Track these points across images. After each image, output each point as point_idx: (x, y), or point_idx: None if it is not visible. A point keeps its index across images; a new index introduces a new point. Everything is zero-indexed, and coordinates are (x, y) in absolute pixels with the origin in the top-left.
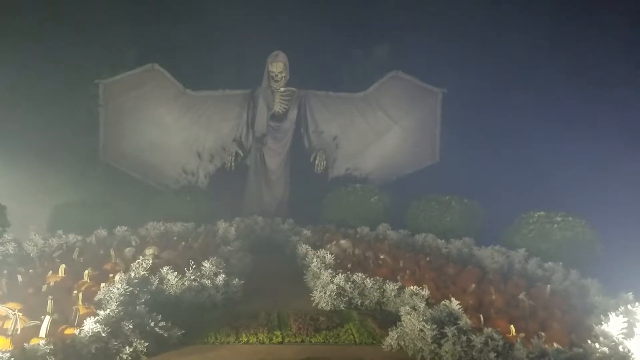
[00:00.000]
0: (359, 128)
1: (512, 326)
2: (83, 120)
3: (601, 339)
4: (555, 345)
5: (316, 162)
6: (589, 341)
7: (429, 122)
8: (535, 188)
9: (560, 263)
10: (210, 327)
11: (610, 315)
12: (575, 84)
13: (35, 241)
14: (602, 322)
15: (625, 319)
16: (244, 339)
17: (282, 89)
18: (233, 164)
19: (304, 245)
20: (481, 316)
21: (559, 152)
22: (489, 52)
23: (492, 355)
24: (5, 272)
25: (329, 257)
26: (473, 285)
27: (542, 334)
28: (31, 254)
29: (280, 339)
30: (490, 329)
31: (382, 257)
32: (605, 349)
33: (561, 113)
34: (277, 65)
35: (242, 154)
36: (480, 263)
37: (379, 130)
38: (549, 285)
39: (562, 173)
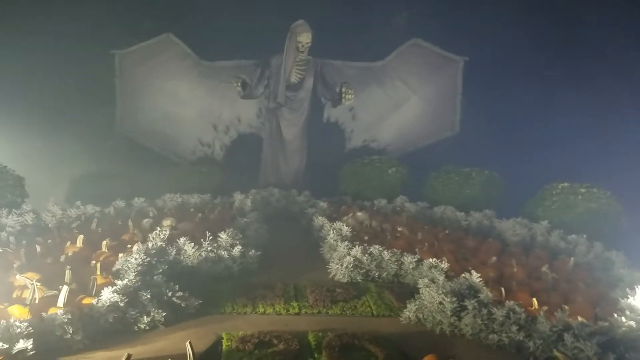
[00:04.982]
0: (376, 98)
1: (534, 299)
2: (99, 91)
3: (627, 312)
4: (579, 318)
5: (343, 91)
6: (615, 315)
7: (449, 92)
8: (558, 159)
9: (584, 235)
10: (227, 298)
11: (636, 289)
12: (600, 54)
13: (53, 212)
14: (628, 296)
15: None
16: (261, 309)
17: (297, 58)
18: (239, 87)
19: (320, 217)
20: (502, 289)
21: (583, 122)
22: (513, 20)
23: (514, 328)
24: (24, 242)
25: (345, 229)
26: (494, 258)
27: (566, 307)
28: (50, 225)
29: (296, 310)
30: (512, 301)
31: (399, 229)
32: (632, 323)
33: (586, 83)
34: (307, 36)
35: (248, 82)
36: (501, 235)
37: (397, 101)
38: (572, 258)
39: (587, 144)
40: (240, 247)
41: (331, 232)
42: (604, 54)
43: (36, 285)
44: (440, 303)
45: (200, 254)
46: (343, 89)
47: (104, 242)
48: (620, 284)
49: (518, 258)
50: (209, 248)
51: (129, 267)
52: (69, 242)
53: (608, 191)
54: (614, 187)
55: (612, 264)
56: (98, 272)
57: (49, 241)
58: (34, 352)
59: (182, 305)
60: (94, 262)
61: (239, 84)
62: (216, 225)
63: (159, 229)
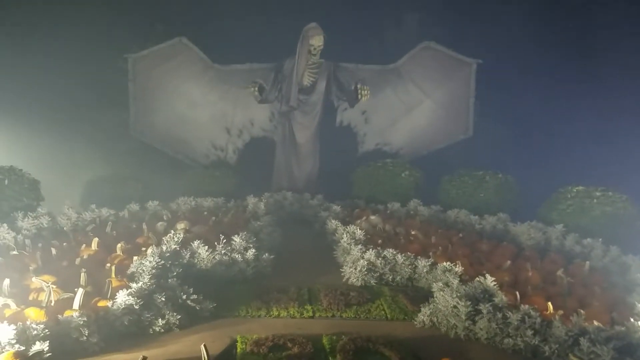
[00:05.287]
0: (389, 101)
1: (549, 303)
2: (113, 95)
3: None
4: (595, 323)
5: (358, 88)
6: (632, 319)
7: (462, 95)
8: (571, 162)
9: (600, 239)
10: (241, 301)
11: None
12: (613, 57)
13: (69, 215)
14: None
15: None
16: (275, 312)
17: (309, 61)
18: (256, 92)
19: (333, 221)
20: (517, 293)
21: (596, 125)
22: (525, 23)
23: (529, 332)
24: (40, 245)
25: (359, 233)
26: (508, 262)
27: (582, 311)
28: (65, 228)
29: (310, 314)
30: (527, 306)
31: (413, 233)
32: None
33: (598, 86)
34: (319, 39)
35: (266, 87)
36: (516, 239)
37: (410, 104)
38: (587, 262)
39: (599, 147)
40: (253, 250)
41: (345, 235)
42: (617, 57)
43: (52, 287)
44: (455, 307)
45: (214, 257)
46: (359, 86)
47: (119, 245)
48: (637, 288)
49: (533, 262)
50: (223, 251)
51: (143, 270)
52: (84, 245)
53: (624, 195)
54: (628, 190)
55: (629, 268)
56: (113, 275)
57: (64, 244)
58: (50, 354)
59: (197, 308)
60: (109, 265)
61: (256, 88)
62: (230, 229)
63: (173, 232)
